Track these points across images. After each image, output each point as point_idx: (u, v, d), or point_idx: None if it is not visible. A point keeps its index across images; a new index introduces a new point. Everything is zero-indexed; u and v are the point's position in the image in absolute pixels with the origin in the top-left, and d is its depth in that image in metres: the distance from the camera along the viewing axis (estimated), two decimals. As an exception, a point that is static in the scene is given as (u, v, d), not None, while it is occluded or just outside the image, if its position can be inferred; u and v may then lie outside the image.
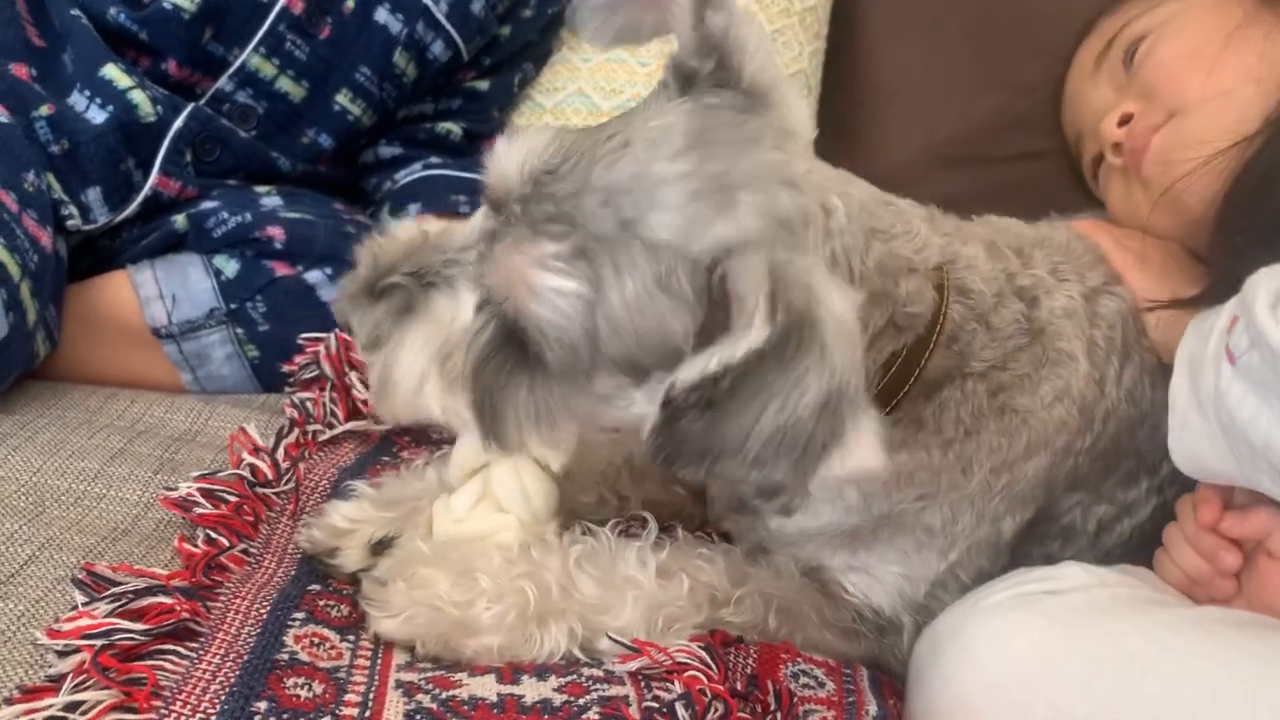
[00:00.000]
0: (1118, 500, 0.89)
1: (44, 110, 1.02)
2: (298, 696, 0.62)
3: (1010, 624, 0.73)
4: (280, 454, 0.88)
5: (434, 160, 1.26)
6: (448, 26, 1.23)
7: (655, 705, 0.65)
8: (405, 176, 1.25)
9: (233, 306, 1.01)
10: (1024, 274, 0.83)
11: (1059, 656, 0.70)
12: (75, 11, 1.09)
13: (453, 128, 1.29)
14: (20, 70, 1.06)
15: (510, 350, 0.65)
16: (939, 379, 0.76)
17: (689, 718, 0.63)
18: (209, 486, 0.81)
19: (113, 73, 1.05)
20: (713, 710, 0.64)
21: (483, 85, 1.33)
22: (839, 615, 0.82)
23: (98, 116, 1.04)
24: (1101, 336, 0.85)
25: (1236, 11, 0.96)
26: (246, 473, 0.85)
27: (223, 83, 1.13)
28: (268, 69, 1.14)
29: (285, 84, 1.16)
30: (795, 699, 0.71)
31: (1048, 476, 0.83)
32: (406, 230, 0.70)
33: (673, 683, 0.67)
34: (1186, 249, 0.95)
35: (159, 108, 1.06)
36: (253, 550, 0.77)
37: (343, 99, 1.19)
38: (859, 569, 0.81)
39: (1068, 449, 0.83)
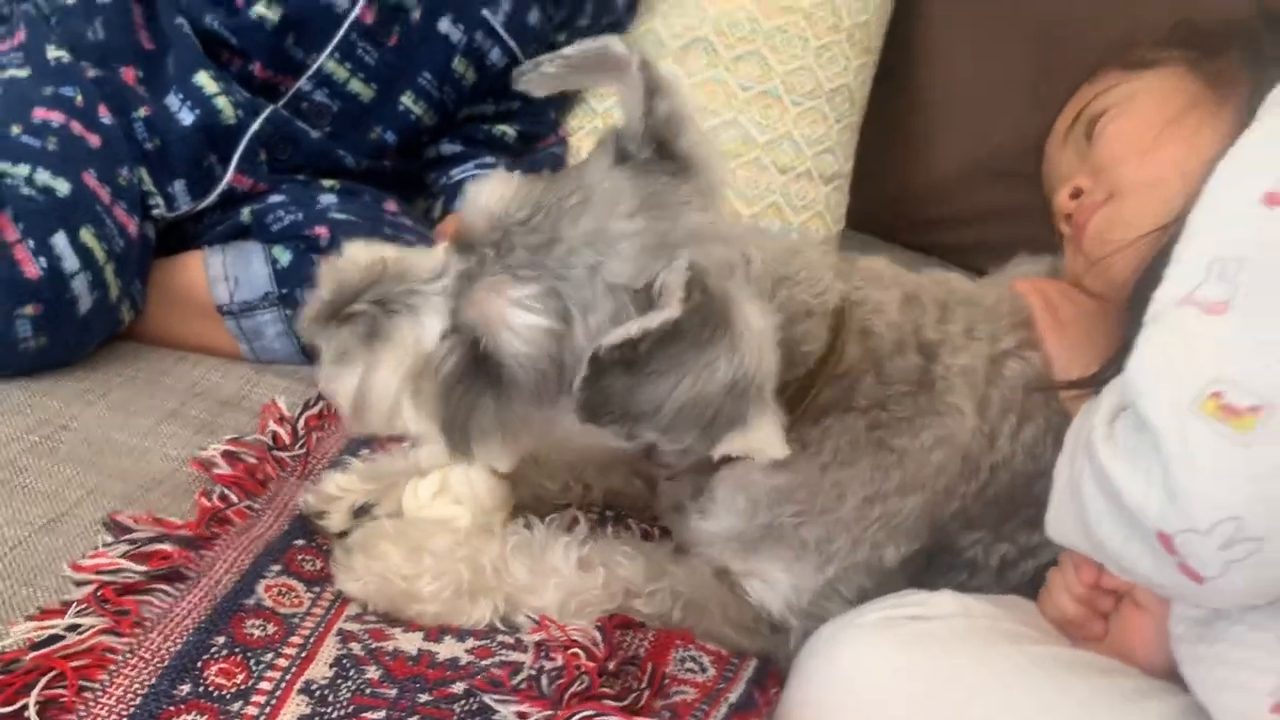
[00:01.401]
0: (1019, 542, 0.99)
1: (142, 112, 1.22)
2: (251, 635, 0.80)
3: (870, 644, 0.85)
4: (301, 423, 1.07)
5: (487, 160, 1.41)
6: (505, 36, 1.38)
7: (534, 673, 0.80)
8: (460, 174, 1.41)
9: (284, 291, 1.19)
10: (935, 329, 0.93)
11: (903, 679, 0.82)
12: (179, 20, 1.28)
13: (508, 130, 1.44)
14: (128, 73, 1.26)
15: (477, 375, 0.78)
16: (825, 407, 0.88)
17: (550, 686, 0.78)
18: (233, 449, 1.00)
19: (203, 79, 1.24)
20: (578, 682, 0.79)
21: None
22: (741, 614, 0.95)
23: (187, 118, 1.23)
24: (999, 395, 0.95)
25: (1180, 98, 1.01)
26: (269, 438, 1.04)
27: (302, 83, 1.31)
28: (341, 72, 1.31)
29: (356, 85, 1.33)
30: (667, 680, 0.85)
31: (931, 514, 0.93)
32: (365, 255, 0.83)
33: (553, 656, 0.82)
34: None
35: (239, 111, 1.25)
36: (256, 507, 0.96)
37: (407, 100, 1.35)
38: (754, 575, 0.94)
39: (949, 492, 0.93)
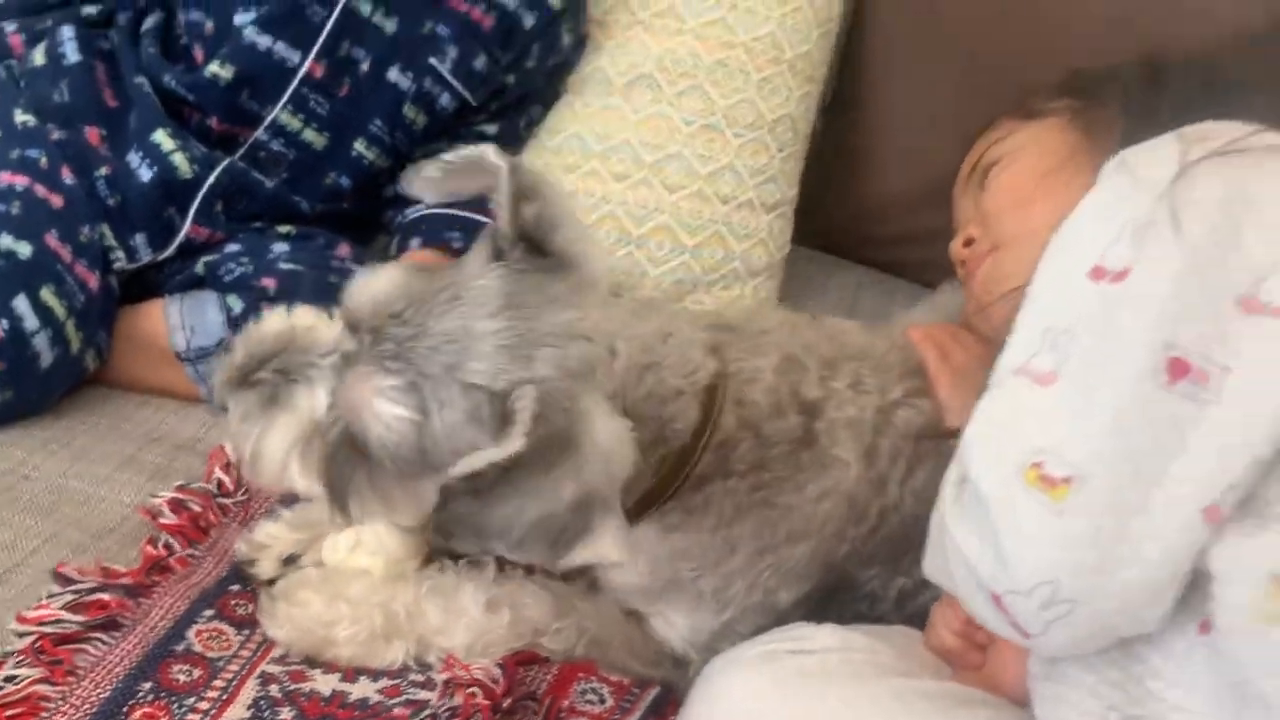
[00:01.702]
0: (915, 576, 1.04)
1: (104, 171, 1.31)
2: (177, 680, 0.89)
3: (745, 679, 0.91)
4: (248, 470, 1.15)
5: (441, 197, 1.48)
6: (453, 81, 1.45)
7: (435, 711, 0.88)
8: (412, 213, 1.48)
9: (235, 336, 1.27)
10: (815, 388, 0.99)
11: (772, 712, 0.89)
12: (140, 79, 1.37)
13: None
14: (92, 133, 1.34)
15: (354, 449, 0.85)
16: (707, 475, 0.94)
17: (446, 723, 0.86)
18: (180, 497, 1.09)
19: (161, 137, 1.32)
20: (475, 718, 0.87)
21: (491, 129, 1.55)
22: (645, 648, 1.03)
23: (145, 175, 1.31)
24: (888, 444, 1.00)
25: (1059, 151, 1.05)
26: (214, 485, 1.12)
27: (259, 133, 1.39)
28: (294, 123, 1.39)
29: (310, 135, 1.40)
30: (564, 712, 0.93)
31: (823, 557, 1.00)
32: (277, 324, 0.90)
33: (453, 695, 0.90)
34: None
35: (196, 166, 1.33)
36: (197, 554, 1.04)
37: (359, 146, 1.43)
38: (658, 615, 1.02)
39: (839, 535, 0.99)
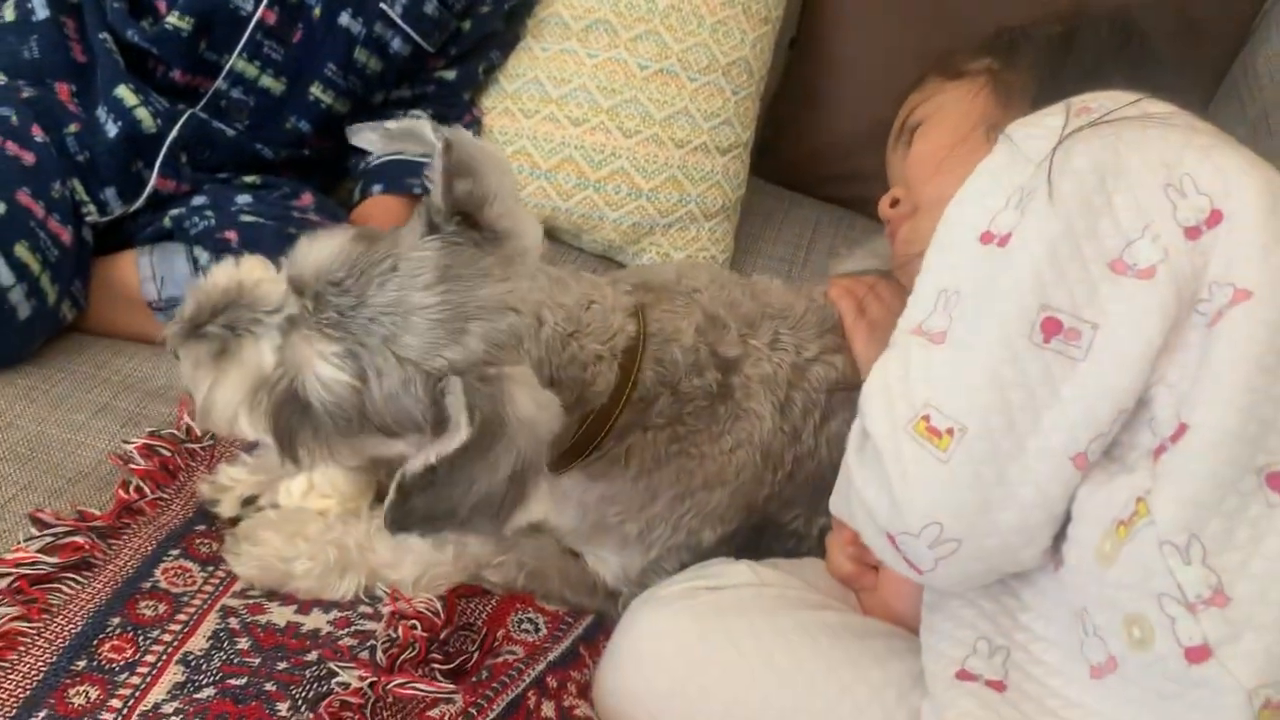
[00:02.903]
0: None
1: (73, 128, 1.37)
2: (144, 614, 0.99)
3: (664, 615, 1.00)
4: (215, 415, 1.24)
5: (403, 142, 1.55)
6: (404, 26, 1.50)
7: (377, 641, 0.98)
8: (375, 160, 1.55)
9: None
10: (734, 346, 1.07)
11: (686, 646, 0.98)
12: (103, 35, 1.43)
13: (421, 113, 1.57)
14: (62, 89, 1.41)
15: (299, 404, 0.92)
16: (628, 428, 1.02)
17: (384, 655, 0.96)
18: (150, 443, 1.18)
19: (123, 92, 1.39)
20: (410, 650, 0.97)
21: (450, 74, 1.61)
22: (582, 581, 1.13)
23: (112, 130, 1.38)
24: (801, 397, 1.09)
25: (972, 118, 1.08)
26: (182, 431, 1.22)
27: (219, 83, 1.46)
28: (251, 70, 1.46)
29: (267, 81, 1.47)
30: (499, 640, 1.03)
31: (744, 501, 1.09)
32: (224, 278, 0.95)
33: (395, 627, 1.00)
34: None
35: (159, 120, 1.40)
36: (166, 497, 1.14)
37: (316, 90, 1.50)
38: (592, 554, 1.12)
39: (757, 481, 1.08)
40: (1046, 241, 0.84)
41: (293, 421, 0.93)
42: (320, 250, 0.94)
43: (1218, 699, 0.76)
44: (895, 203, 1.16)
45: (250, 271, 0.98)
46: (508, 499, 0.87)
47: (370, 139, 1.00)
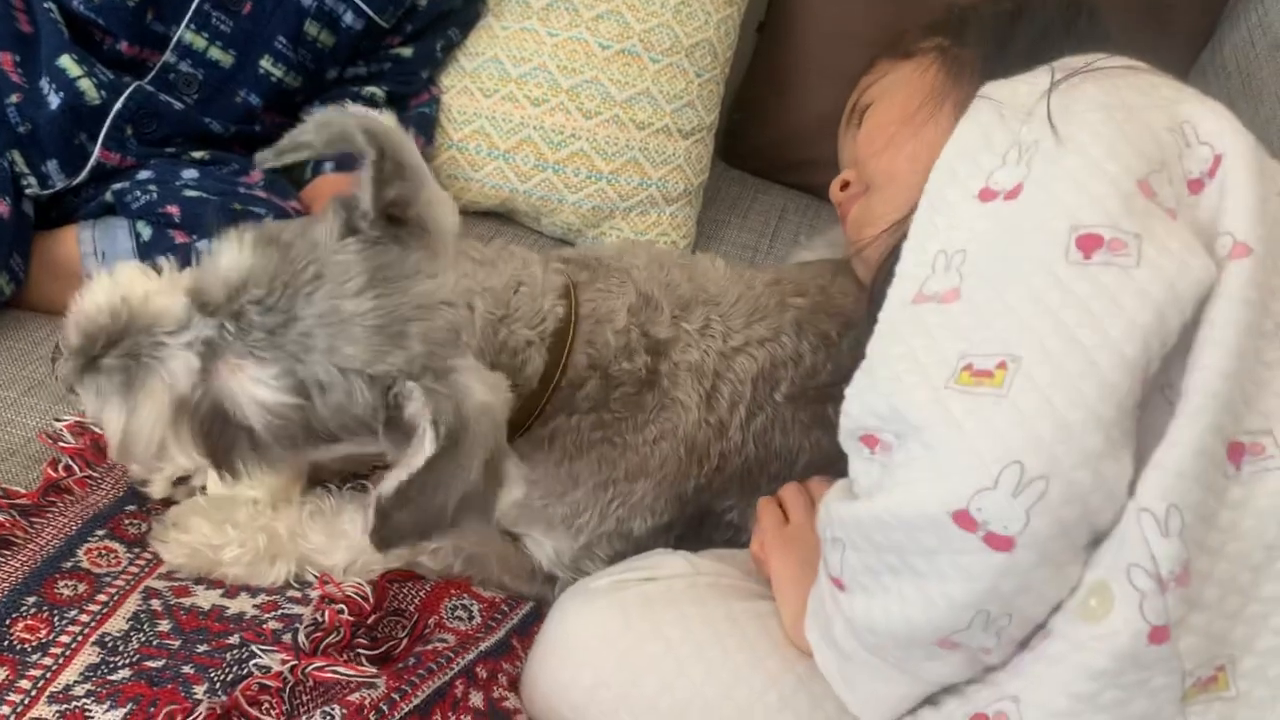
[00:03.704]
0: None
1: (14, 98, 1.35)
2: (61, 594, 0.97)
3: (590, 608, 0.99)
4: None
5: (357, 121, 1.53)
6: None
7: (299, 625, 0.97)
8: (328, 136, 1.53)
9: (147, 264, 1.33)
10: (666, 328, 1.05)
11: (613, 638, 0.96)
12: (48, 4, 1.40)
13: (377, 91, 1.56)
14: (5, 59, 1.38)
15: (233, 423, 0.88)
16: (555, 411, 1.01)
17: (305, 638, 0.94)
18: (82, 420, 1.16)
19: (66, 62, 1.37)
20: (334, 634, 0.95)
21: (407, 51, 1.59)
22: (521, 564, 1.11)
23: (54, 101, 1.36)
24: (728, 390, 1.06)
25: (923, 92, 1.07)
26: (117, 409, 1.20)
27: (167, 55, 1.44)
28: (200, 41, 1.44)
29: (216, 53, 1.45)
30: (430, 628, 1.01)
31: (673, 494, 1.07)
32: (105, 297, 0.90)
33: (322, 611, 0.98)
34: None
35: (103, 92, 1.37)
36: (96, 475, 1.12)
37: (266, 63, 1.48)
38: (528, 536, 1.10)
39: (682, 474, 1.07)
40: (1067, 177, 0.79)
41: (226, 439, 0.89)
42: (227, 265, 0.88)
43: (1154, 680, 0.74)
44: (845, 186, 1.15)
45: (132, 285, 0.92)
46: (487, 490, 0.85)
47: (299, 141, 0.95)
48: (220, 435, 0.89)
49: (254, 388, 0.86)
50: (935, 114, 1.05)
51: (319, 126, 0.93)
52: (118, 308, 0.90)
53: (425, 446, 0.83)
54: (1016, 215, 0.81)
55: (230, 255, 0.88)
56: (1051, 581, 0.75)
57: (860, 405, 0.83)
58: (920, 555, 0.76)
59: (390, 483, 0.83)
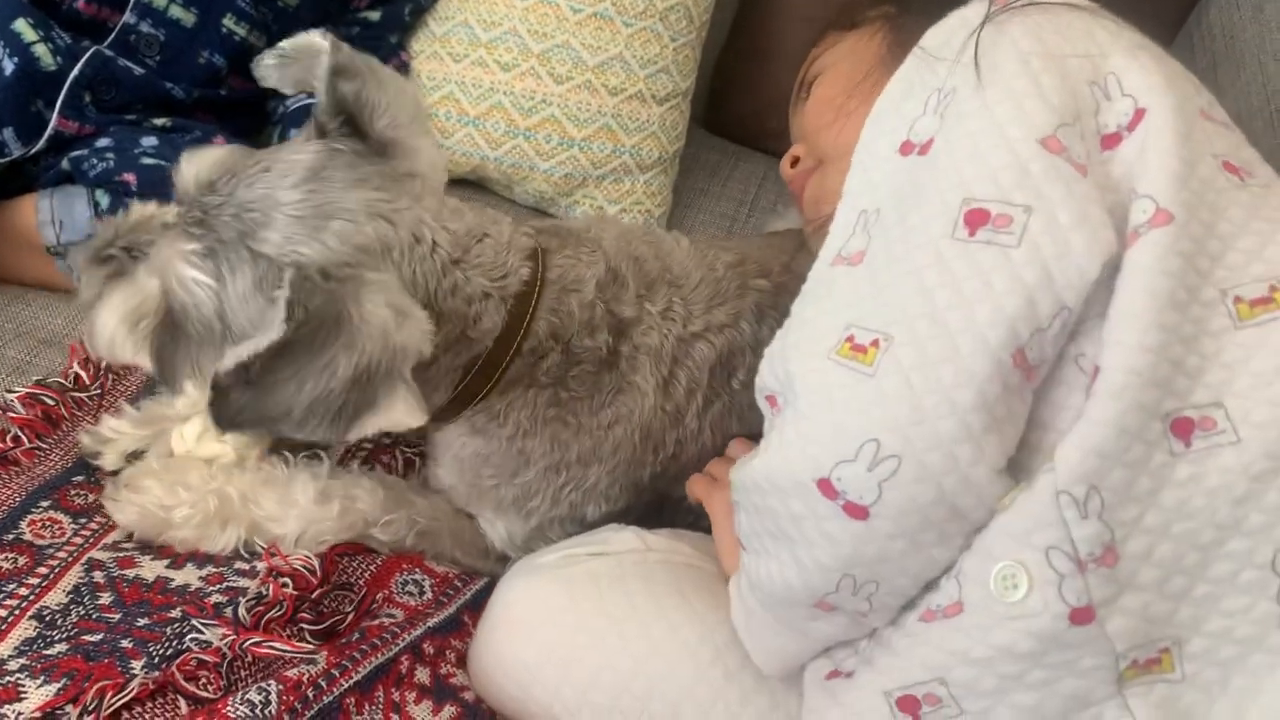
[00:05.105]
0: None
1: (-32, 64, 1.34)
2: (1, 568, 0.97)
3: (533, 582, 0.99)
4: (105, 365, 1.22)
5: (323, 86, 1.51)
6: None
7: (245, 597, 0.96)
8: (294, 103, 1.51)
9: None
10: (631, 307, 1.03)
11: (558, 612, 0.96)
12: (1, -36, 1.39)
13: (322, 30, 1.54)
14: (-42, 22, 1.37)
15: (173, 320, 0.91)
16: (512, 381, 1.00)
17: (246, 612, 0.94)
18: (34, 392, 1.16)
19: (21, 26, 1.35)
20: (277, 609, 0.95)
21: (374, 15, 1.57)
22: (475, 542, 1.11)
23: (8, 68, 1.35)
24: (685, 376, 1.05)
25: (870, 58, 1.04)
26: (70, 380, 1.19)
27: (127, 15, 1.42)
28: (160, 0, 1.42)
29: (177, 11, 1.44)
30: (379, 603, 1.01)
31: (627, 481, 1.06)
32: (140, 211, 0.95)
33: (267, 585, 0.98)
34: None
35: (59, 57, 1.36)
36: (44, 447, 1.12)
37: (228, 22, 1.46)
38: (481, 515, 1.09)
39: (635, 462, 1.06)
40: (969, 135, 0.79)
41: (166, 341, 0.91)
42: (202, 161, 0.93)
43: (1083, 660, 0.73)
44: (796, 162, 1.13)
45: (168, 210, 0.96)
46: (351, 404, 0.85)
47: (267, 65, 0.98)
48: (164, 336, 0.91)
49: (178, 262, 0.88)
50: (883, 82, 1.02)
51: (290, 43, 0.98)
52: (144, 219, 0.94)
53: (272, 328, 0.83)
54: (923, 175, 0.81)
55: (208, 154, 0.92)
56: (911, 555, 0.78)
57: (768, 365, 0.85)
58: (790, 521, 0.80)
59: (230, 358, 0.84)
